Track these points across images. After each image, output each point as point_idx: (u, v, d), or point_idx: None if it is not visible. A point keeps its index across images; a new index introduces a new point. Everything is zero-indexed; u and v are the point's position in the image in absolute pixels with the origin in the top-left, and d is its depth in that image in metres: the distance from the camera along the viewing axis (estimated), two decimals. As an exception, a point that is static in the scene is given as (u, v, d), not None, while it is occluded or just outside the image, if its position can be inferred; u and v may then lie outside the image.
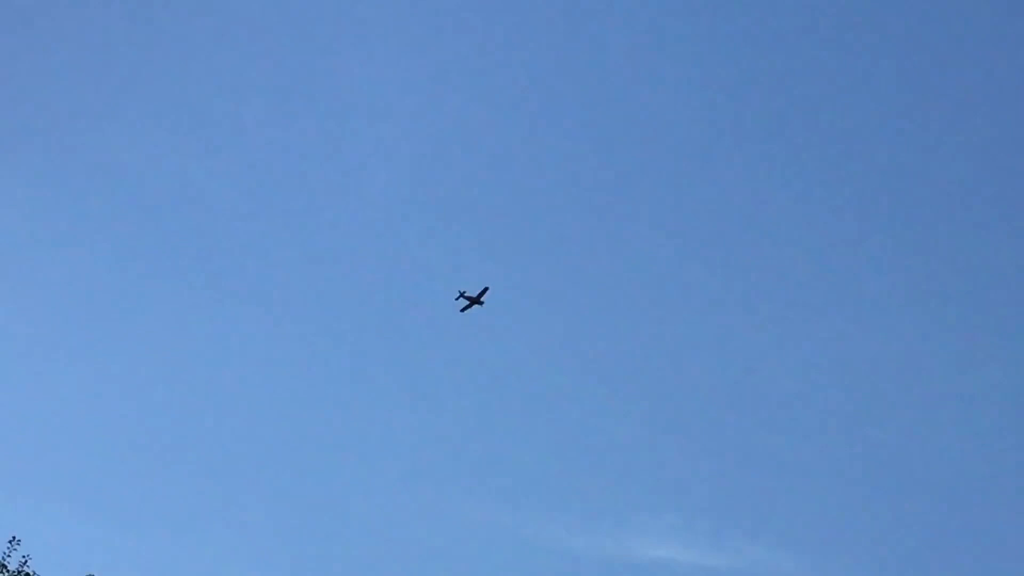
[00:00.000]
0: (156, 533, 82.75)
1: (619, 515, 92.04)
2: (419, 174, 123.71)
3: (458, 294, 57.09)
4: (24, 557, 28.64)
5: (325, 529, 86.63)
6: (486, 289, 55.30)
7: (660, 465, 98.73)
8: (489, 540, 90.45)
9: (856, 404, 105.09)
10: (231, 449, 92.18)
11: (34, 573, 28.53)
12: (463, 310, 57.00)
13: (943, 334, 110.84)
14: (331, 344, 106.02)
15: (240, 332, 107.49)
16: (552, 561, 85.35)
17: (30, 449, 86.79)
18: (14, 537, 28.22)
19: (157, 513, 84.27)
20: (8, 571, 28.13)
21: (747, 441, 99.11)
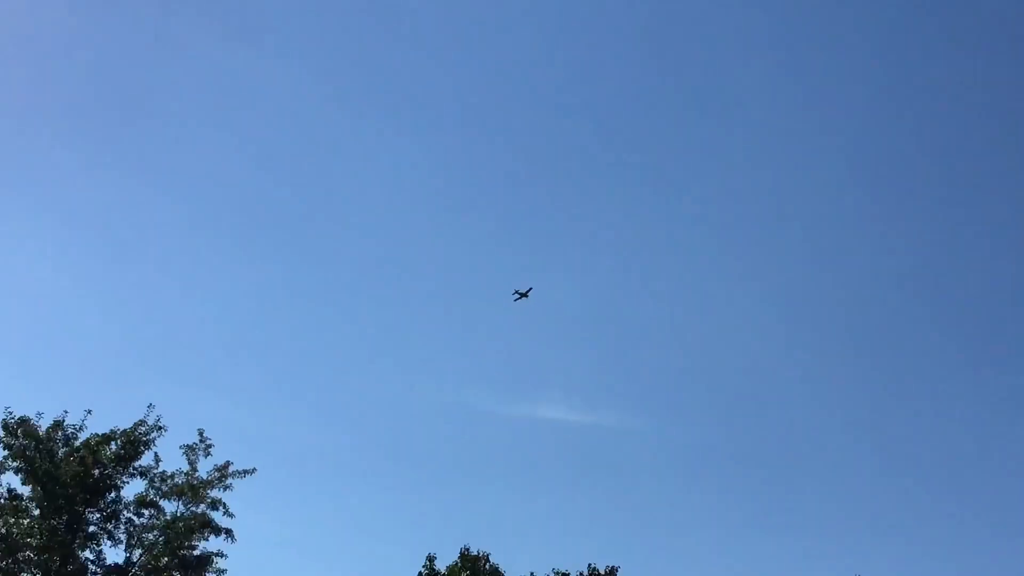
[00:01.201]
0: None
1: (525, 390, 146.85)
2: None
3: (515, 292, 78.60)
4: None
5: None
6: (531, 288, 78.48)
7: (552, 359, 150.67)
8: (435, 407, 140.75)
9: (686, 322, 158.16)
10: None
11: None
12: (515, 300, 78.56)
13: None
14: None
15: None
16: (480, 420, 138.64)
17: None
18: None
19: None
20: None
21: (610, 347, 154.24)
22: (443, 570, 42.40)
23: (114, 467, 40.72)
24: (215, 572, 41.10)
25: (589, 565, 43.66)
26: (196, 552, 41.02)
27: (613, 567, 43.57)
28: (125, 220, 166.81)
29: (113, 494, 40.78)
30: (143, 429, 41.26)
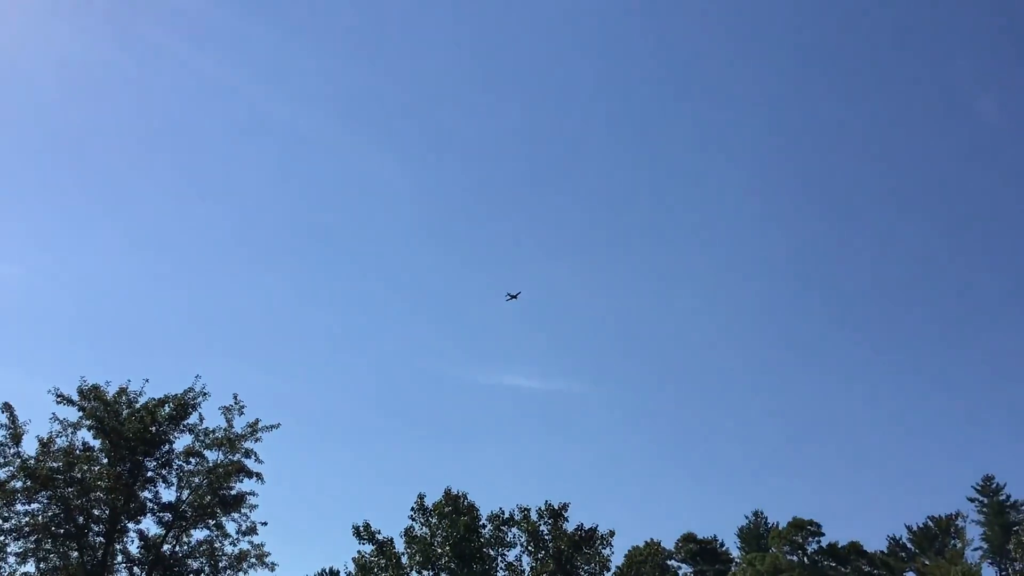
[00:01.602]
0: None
1: (496, 364, 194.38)
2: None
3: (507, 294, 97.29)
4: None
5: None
6: (520, 292, 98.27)
7: (517, 340, 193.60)
8: (424, 377, 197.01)
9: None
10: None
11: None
12: (507, 300, 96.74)
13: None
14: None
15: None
16: (459, 387, 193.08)
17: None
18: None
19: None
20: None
21: (564, 330, 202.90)
22: (431, 506, 52.01)
23: (167, 424, 49.21)
24: (248, 507, 49.88)
25: (546, 502, 52.32)
26: (233, 492, 49.75)
27: (565, 503, 52.29)
28: (183, 234, 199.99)
29: (166, 446, 49.38)
30: (191, 394, 49.71)
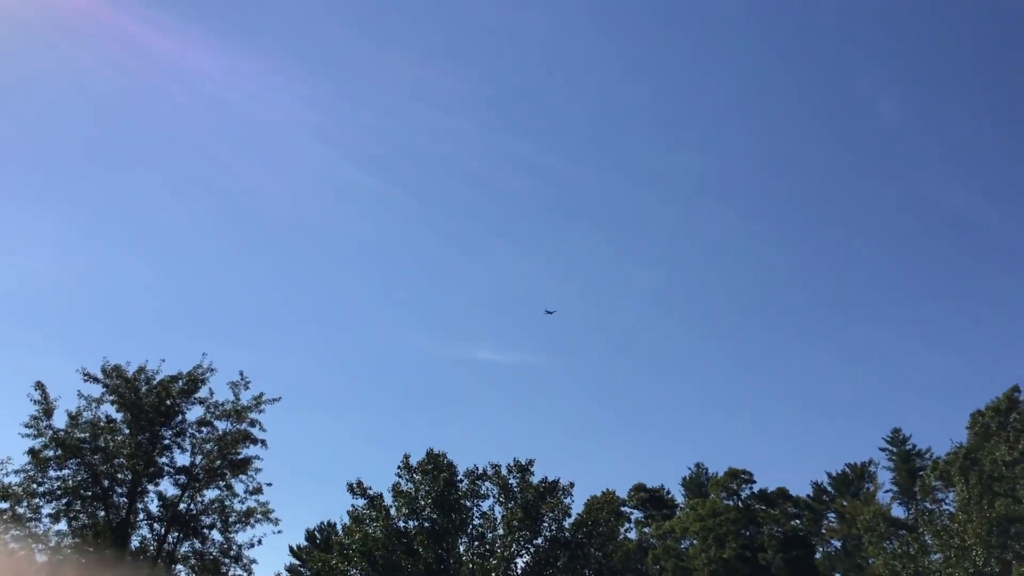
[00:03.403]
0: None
1: (467, 340, 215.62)
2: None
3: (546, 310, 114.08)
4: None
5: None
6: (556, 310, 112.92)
7: (485, 319, 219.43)
8: (406, 353, 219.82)
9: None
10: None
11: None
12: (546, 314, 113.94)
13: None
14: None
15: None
16: (424, 359, 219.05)
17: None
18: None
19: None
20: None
21: (526, 310, 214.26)
22: (415, 464, 58.28)
23: (181, 398, 54.86)
24: (254, 470, 55.72)
25: (514, 459, 57.31)
26: (240, 456, 55.39)
27: (531, 460, 57.18)
28: (179, 231, 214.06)
29: (180, 417, 55.00)
30: (200, 371, 55.39)
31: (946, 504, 69.41)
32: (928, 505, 71.87)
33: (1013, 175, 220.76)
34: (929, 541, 63.77)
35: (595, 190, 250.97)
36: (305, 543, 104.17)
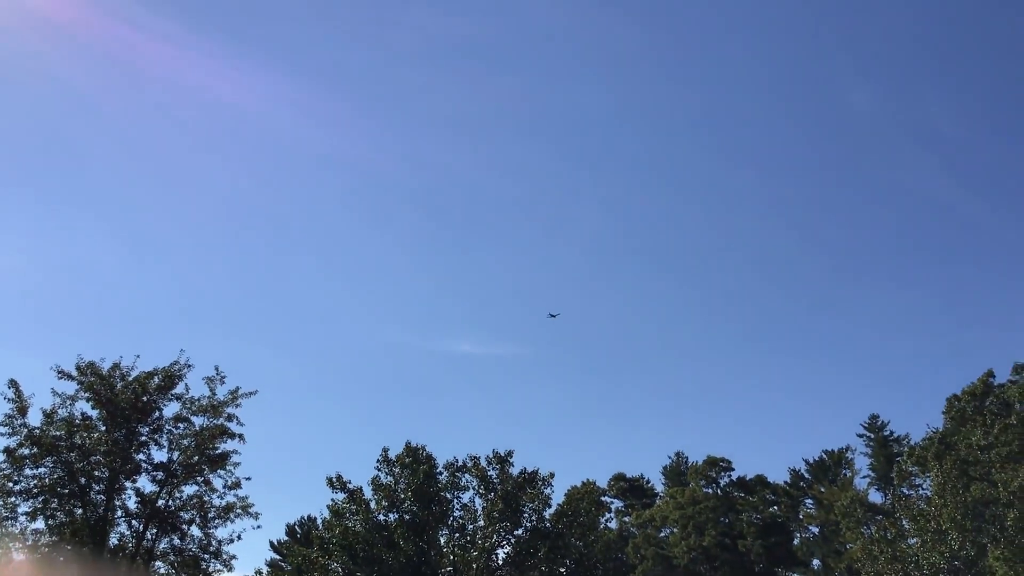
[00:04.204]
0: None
1: (445, 333, 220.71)
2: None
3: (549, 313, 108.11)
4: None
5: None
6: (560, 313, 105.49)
7: (463, 313, 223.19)
8: (385, 347, 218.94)
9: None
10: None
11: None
12: (549, 317, 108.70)
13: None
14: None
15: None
16: (402, 352, 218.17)
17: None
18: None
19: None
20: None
21: (502, 306, 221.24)
22: (394, 457, 58.37)
23: (157, 394, 54.46)
24: (232, 465, 55.33)
25: (493, 450, 57.56)
26: (217, 451, 55.09)
27: (510, 451, 57.50)
28: (156, 226, 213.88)
29: (157, 413, 54.64)
30: (177, 367, 54.95)
31: (923, 489, 70.10)
32: (905, 490, 72.54)
33: (987, 162, 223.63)
34: (906, 526, 64.49)
35: (571, 184, 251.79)
36: (285, 538, 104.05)
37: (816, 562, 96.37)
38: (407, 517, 56.18)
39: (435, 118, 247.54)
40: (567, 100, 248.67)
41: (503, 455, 58.02)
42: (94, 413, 53.52)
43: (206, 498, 55.21)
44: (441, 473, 57.52)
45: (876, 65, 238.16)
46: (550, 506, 57.04)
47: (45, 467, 51.92)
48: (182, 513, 54.88)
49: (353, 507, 56.68)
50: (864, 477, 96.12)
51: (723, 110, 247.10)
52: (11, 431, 51.49)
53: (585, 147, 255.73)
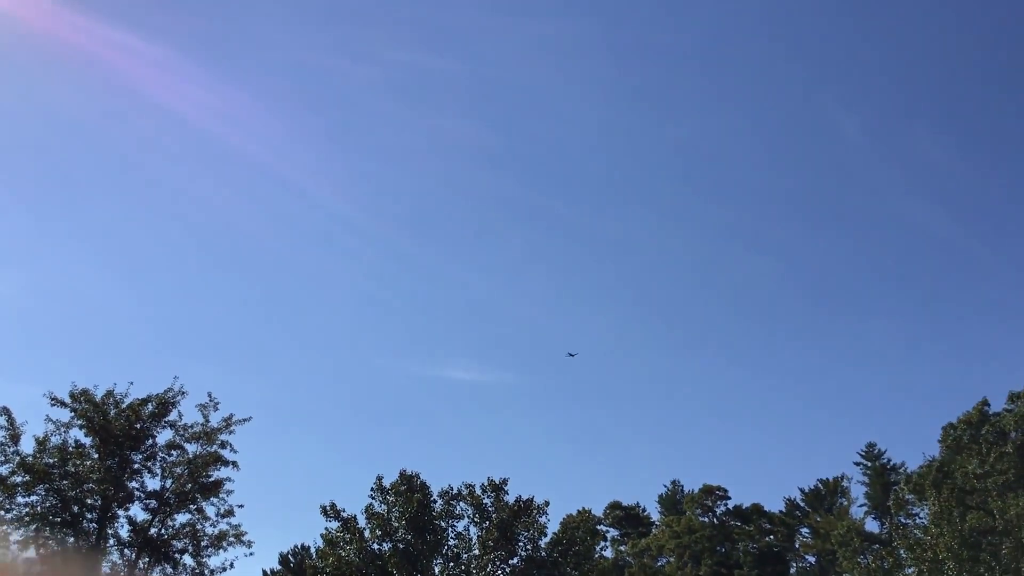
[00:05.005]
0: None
1: (439, 361, 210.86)
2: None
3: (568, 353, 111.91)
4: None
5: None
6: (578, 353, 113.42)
7: (457, 341, 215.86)
8: (379, 374, 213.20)
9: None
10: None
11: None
12: (568, 357, 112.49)
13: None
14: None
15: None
16: (396, 379, 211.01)
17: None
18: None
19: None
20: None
21: (492, 335, 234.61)
22: (388, 486, 57.88)
23: (150, 422, 54.30)
24: (225, 492, 55.10)
25: (488, 478, 57.09)
26: (211, 479, 54.84)
27: (505, 479, 56.87)
28: (149, 251, 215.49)
29: (150, 441, 54.44)
30: (170, 394, 54.84)
31: (920, 518, 69.86)
32: (902, 519, 72.27)
33: (979, 193, 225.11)
34: (903, 555, 64.14)
35: (562, 209, 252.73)
36: (279, 567, 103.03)
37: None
38: (401, 546, 55.59)
39: (419, 144, 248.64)
40: (561, 119, 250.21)
41: (498, 483, 57.54)
42: (87, 440, 53.47)
43: (199, 526, 54.97)
44: (435, 501, 57.01)
45: (864, 94, 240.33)
46: (546, 535, 56.61)
47: (37, 495, 51.64)
48: (175, 542, 54.56)
49: (347, 536, 56.16)
50: (861, 506, 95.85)
51: (710, 139, 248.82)
52: (3, 459, 51.22)
53: (578, 176, 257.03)
